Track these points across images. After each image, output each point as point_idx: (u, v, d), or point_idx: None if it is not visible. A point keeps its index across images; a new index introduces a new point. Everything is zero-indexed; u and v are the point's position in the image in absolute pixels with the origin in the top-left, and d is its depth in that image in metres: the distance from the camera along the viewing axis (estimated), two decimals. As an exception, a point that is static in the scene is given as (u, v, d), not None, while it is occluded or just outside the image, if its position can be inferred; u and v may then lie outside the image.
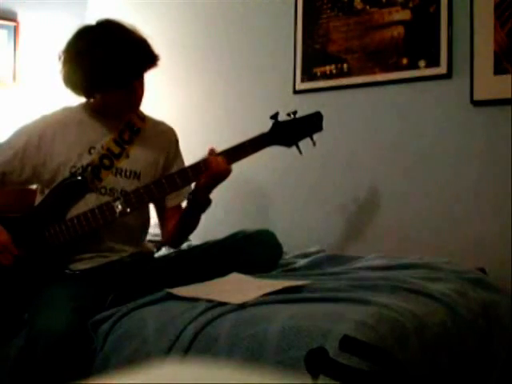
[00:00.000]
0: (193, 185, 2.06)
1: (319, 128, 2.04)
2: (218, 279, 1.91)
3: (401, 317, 1.57)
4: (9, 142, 2.06)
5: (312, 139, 2.04)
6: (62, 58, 1.96)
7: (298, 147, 2.03)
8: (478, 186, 2.39)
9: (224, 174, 1.97)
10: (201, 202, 2.04)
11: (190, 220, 2.11)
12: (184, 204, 2.14)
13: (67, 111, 2.12)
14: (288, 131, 2.01)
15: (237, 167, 2.15)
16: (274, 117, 2.00)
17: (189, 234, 2.17)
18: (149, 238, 2.31)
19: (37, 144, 2.02)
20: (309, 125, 2.04)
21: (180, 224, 2.12)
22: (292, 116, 2.01)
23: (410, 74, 2.51)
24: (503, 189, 2.31)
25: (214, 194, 2.04)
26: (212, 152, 1.97)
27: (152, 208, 2.23)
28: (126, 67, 1.92)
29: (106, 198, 1.99)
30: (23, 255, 1.94)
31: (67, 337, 1.67)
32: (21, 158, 2.02)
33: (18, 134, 2.07)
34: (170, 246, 2.28)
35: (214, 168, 1.94)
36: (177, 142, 2.21)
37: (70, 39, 1.97)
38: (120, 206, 1.94)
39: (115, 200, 1.96)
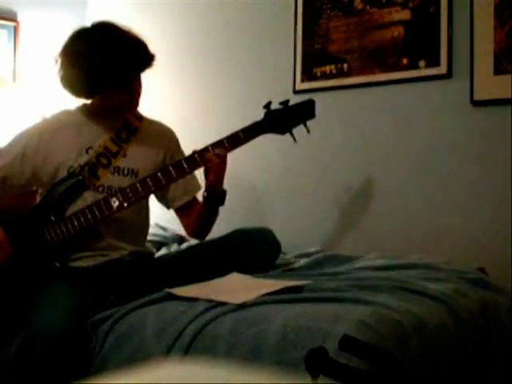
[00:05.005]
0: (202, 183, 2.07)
1: (312, 115, 2.06)
2: (218, 279, 1.91)
3: (401, 317, 1.57)
4: (9, 147, 2.09)
5: (306, 126, 2.05)
6: (59, 61, 1.97)
7: (291, 134, 2.04)
8: (477, 185, 2.39)
9: (221, 166, 1.97)
10: (217, 196, 2.04)
11: (209, 214, 2.12)
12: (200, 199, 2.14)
13: (66, 114, 2.14)
14: (281, 119, 2.02)
15: (236, 167, 2.15)
16: (267, 106, 2.02)
17: (212, 224, 2.16)
18: (149, 238, 2.31)
19: (35, 147, 2.04)
20: (301, 112, 2.05)
21: (200, 218, 2.13)
22: (284, 105, 2.03)
23: (410, 74, 2.51)
24: (503, 189, 2.31)
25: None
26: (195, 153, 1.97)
27: (152, 208, 2.23)
28: (124, 66, 1.94)
29: (104, 196, 1.99)
30: (19, 254, 1.94)
31: (65, 337, 1.67)
32: (20, 161, 2.03)
33: (17, 138, 2.09)
34: (196, 238, 2.28)
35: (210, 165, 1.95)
36: (177, 141, 2.22)
37: (67, 41, 1.98)
38: (117, 201, 1.95)
39: (112, 195, 1.96)
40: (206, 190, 2.04)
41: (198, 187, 2.17)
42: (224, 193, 2.04)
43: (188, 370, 0.60)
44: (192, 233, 2.23)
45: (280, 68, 2.85)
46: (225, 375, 0.58)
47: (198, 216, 2.13)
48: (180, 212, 2.20)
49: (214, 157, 1.94)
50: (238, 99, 2.99)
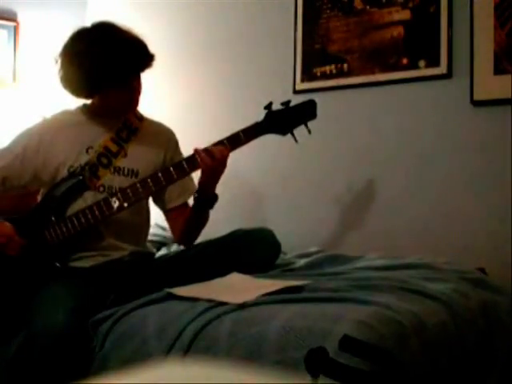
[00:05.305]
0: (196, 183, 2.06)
1: (313, 115, 2.05)
2: (218, 279, 1.91)
3: (401, 317, 1.57)
4: (9, 147, 2.09)
5: (307, 127, 2.05)
6: (60, 61, 1.97)
7: (292, 135, 2.04)
8: (477, 185, 2.39)
9: (221, 165, 1.95)
10: (208, 198, 2.03)
11: (199, 217, 2.11)
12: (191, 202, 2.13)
13: (66, 114, 2.14)
14: (282, 119, 2.02)
15: (236, 167, 2.15)
16: (268, 106, 2.02)
17: (200, 231, 2.15)
18: (149, 237, 2.31)
19: (36, 147, 2.04)
20: (302, 113, 2.05)
21: (189, 222, 2.12)
22: (285, 105, 2.03)
23: (410, 74, 2.51)
24: (503, 189, 2.31)
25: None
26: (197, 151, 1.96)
27: (152, 208, 2.23)
28: (124, 66, 1.94)
29: (104, 196, 1.99)
30: (28, 246, 1.95)
31: (65, 336, 1.67)
32: (21, 161, 2.03)
33: (18, 139, 2.10)
34: (183, 244, 2.27)
35: (209, 161, 1.93)
36: (176, 142, 2.22)
37: (67, 41, 1.98)
38: (117, 201, 1.95)
39: (112, 195, 1.96)
40: (197, 191, 2.03)
41: (194, 188, 2.16)
42: (215, 196, 2.04)
43: (188, 370, 0.60)
44: (179, 237, 2.20)
45: (280, 68, 2.85)
46: (225, 375, 0.58)
47: (187, 219, 2.11)
48: (171, 214, 2.18)
49: (215, 157, 1.93)
50: (238, 99, 2.99)
